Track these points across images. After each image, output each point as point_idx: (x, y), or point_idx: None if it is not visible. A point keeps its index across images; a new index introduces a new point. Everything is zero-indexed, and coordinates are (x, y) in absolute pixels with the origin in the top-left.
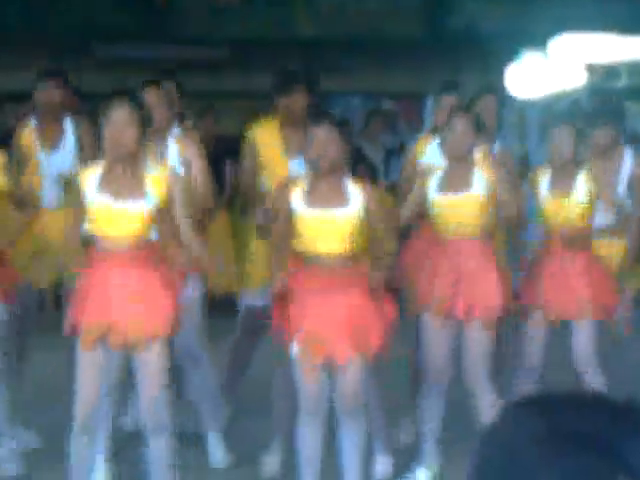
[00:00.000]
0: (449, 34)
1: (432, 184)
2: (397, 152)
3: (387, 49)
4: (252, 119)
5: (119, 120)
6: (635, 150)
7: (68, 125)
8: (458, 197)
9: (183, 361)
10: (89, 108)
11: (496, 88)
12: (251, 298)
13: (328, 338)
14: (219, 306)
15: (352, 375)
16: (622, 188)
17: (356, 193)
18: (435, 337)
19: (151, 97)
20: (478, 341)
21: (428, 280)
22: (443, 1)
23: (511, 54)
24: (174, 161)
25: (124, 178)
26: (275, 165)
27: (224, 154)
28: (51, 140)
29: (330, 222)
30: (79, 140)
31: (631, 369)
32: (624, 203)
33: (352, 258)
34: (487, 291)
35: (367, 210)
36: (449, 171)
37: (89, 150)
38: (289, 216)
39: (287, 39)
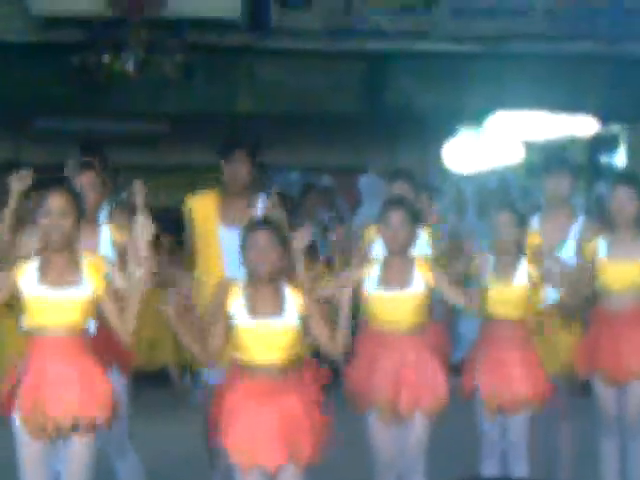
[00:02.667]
0: (386, 110)
1: (370, 278)
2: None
3: (326, 125)
4: (191, 193)
5: (56, 209)
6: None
7: None
8: (398, 293)
9: (110, 453)
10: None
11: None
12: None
13: (259, 446)
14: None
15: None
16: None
17: (294, 300)
18: (381, 435)
19: (85, 180)
20: (421, 431)
21: (367, 380)
22: (380, 77)
23: (448, 130)
24: (107, 248)
25: (61, 267)
26: (210, 236)
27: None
28: None
29: (268, 332)
30: None
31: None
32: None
33: (290, 367)
34: (431, 383)
35: (305, 317)
36: (388, 266)
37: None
38: (226, 321)
39: (227, 114)
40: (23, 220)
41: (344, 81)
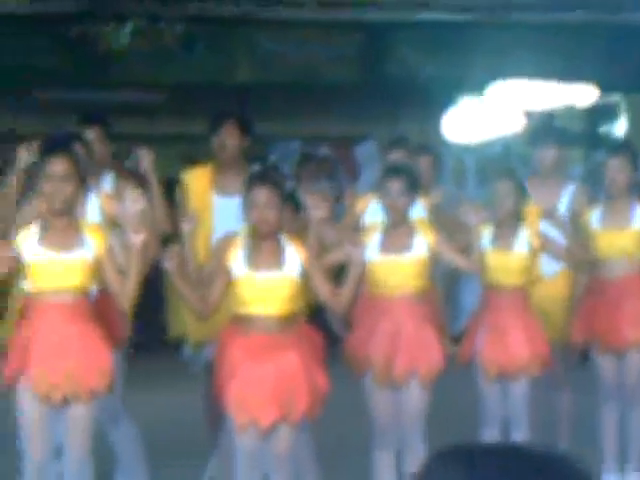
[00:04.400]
0: (387, 80)
1: (372, 244)
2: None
3: (326, 95)
4: (188, 163)
5: (57, 174)
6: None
7: None
8: (398, 258)
9: (103, 420)
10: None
11: (431, 147)
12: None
13: (254, 402)
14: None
15: (281, 437)
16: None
17: (294, 254)
18: (377, 398)
19: (93, 135)
20: (418, 399)
21: (365, 342)
22: (380, 48)
23: (448, 100)
24: (95, 216)
25: (63, 231)
26: (204, 209)
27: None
28: None
29: (268, 285)
30: None
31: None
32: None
33: (290, 320)
34: (428, 350)
35: (305, 270)
36: (388, 232)
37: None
38: (227, 276)
39: (226, 84)
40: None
41: (344, 51)
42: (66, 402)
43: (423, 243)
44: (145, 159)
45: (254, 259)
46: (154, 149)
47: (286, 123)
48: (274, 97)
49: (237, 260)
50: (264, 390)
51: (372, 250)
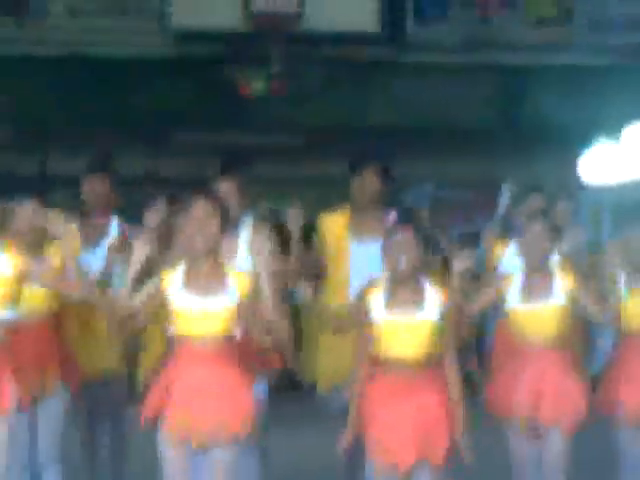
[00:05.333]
0: (524, 123)
1: (512, 292)
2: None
3: (461, 138)
4: (327, 206)
5: (199, 215)
6: None
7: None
8: (539, 306)
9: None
10: (167, 193)
11: (570, 193)
12: (328, 393)
13: (394, 445)
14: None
15: None
16: None
17: (434, 296)
18: (520, 447)
19: (226, 187)
20: (560, 447)
21: (508, 391)
22: (515, 92)
23: (584, 143)
24: (244, 251)
25: (206, 275)
26: (341, 256)
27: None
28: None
29: (408, 327)
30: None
31: None
32: None
33: (430, 362)
34: (572, 398)
35: (444, 314)
36: (528, 279)
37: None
38: (369, 320)
39: (363, 126)
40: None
41: (481, 94)
42: (206, 447)
43: (563, 288)
44: (294, 221)
45: (393, 300)
46: (295, 191)
47: (420, 165)
48: (409, 140)
49: (376, 302)
50: (404, 432)
51: (512, 298)
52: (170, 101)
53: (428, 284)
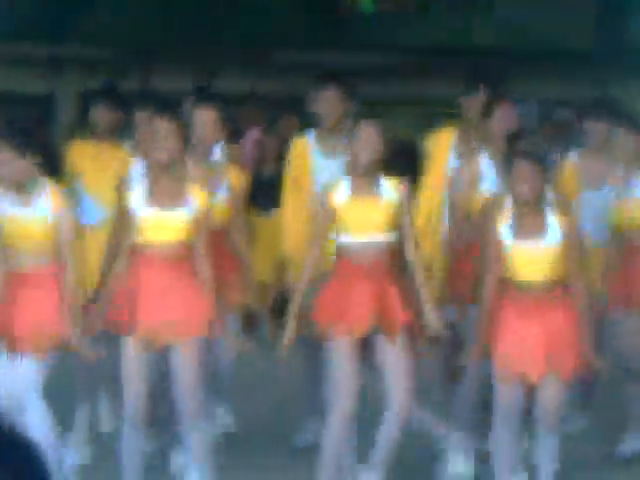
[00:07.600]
0: (626, 45)
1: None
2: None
3: (563, 59)
4: (427, 125)
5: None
6: None
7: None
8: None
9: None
10: (270, 114)
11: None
12: None
13: (523, 357)
14: None
15: (552, 393)
16: None
17: (557, 224)
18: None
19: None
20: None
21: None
22: (618, 14)
23: None
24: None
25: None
26: (440, 173)
27: (396, 157)
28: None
29: (535, 252)
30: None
31: None
32: None
33: (557, 283)
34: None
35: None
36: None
37: None
38: (497, 243)
39: (463, 48)
40: None
41: (581, 16)
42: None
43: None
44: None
45: (520, 228)
46: (391, 112)
47: (522, 87)
48: (510, 61)
49: (504, 227)
50: (534, 347)
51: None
52: (268, 19)
53: (550, 211)
